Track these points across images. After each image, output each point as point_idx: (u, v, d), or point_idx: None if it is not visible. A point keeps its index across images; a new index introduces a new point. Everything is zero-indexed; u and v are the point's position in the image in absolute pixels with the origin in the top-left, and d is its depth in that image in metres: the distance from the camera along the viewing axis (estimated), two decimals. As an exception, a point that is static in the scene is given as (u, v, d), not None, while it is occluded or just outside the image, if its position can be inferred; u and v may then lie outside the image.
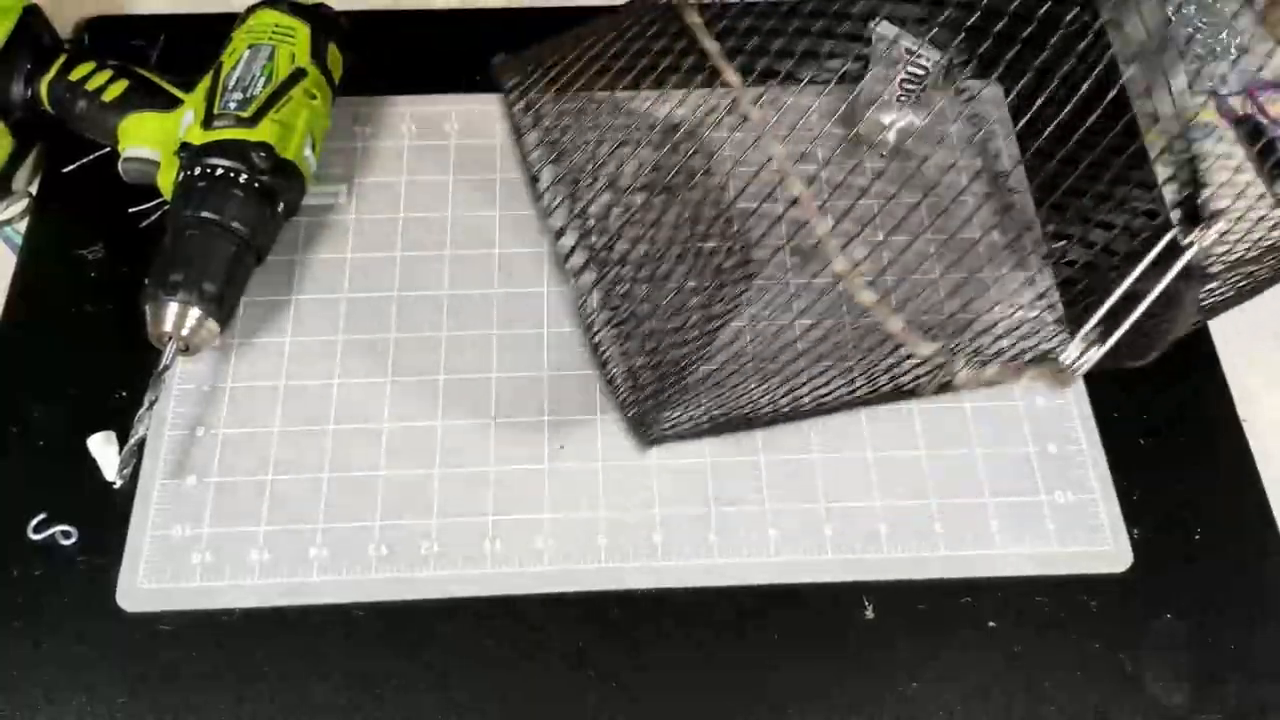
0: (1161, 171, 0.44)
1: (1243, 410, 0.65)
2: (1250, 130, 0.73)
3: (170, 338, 0.60)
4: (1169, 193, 0.45)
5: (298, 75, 0.66)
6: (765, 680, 0.57)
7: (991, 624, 0.58)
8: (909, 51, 0.64)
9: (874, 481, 0.62)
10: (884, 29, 0.76)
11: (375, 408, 0.63)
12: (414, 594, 0.58)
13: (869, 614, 0.58)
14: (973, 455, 0.63)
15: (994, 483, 0.62)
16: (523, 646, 0.57)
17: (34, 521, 0.59)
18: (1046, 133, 0.51)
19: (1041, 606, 0.59)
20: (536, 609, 0.58)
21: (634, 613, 0.58)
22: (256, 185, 0.62)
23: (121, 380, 0.63)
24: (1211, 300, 0.55)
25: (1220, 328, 0.67)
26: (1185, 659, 0.57)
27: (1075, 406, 0.64)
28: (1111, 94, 0.51)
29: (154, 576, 0.58)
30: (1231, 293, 0.55)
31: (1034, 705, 0.56)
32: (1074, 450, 0.63)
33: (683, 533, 0.60)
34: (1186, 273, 0.44)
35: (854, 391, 0.51)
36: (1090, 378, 0.64)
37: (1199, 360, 0.66)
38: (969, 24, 0.56)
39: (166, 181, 0.64)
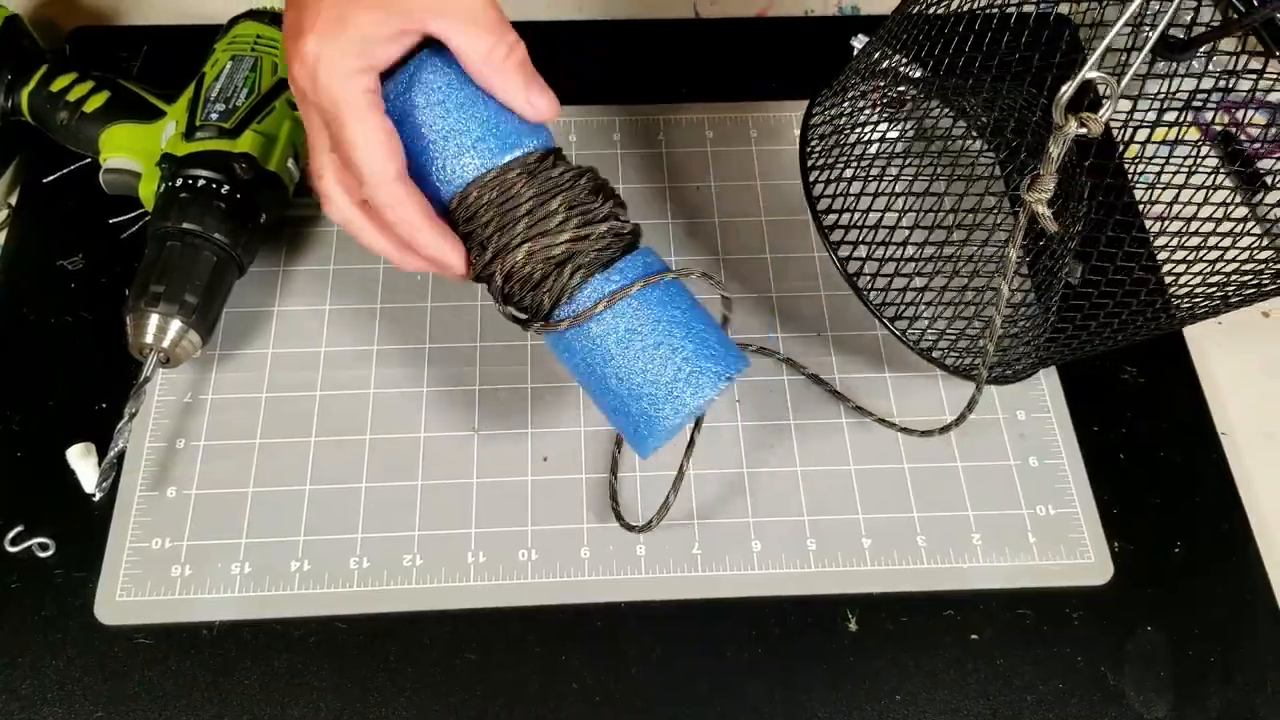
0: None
1: (1221, 425, 0.66)
2: (1229, 148, 0.73)
3: (151, 349, 0.60)
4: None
5: (280, 86, 0.66)
6: (748, 692, 0.56)
7: (974, 636, 0.58)
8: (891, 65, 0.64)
9: (857, 494, 0.62)
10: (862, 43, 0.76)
11: (358, 419, 0.63)
12: (396, 607, 0.58)
13: (852, 626, 0.58)
14: (955, 469, 0.63)
15: (976, 496, 0.62)
16: (505, 659, 0.57)
17: (12, 533, 0.59)
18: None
19: (1023, 619, 0.59)
20: (519, 622, 0.58)
21: (617, 625, 0.58)
22: (239, 196, 0.62)
23: (101, 392, 0.63)
24: (1194, 301, 0.56)
25: (1199, 344, 0.68)
26: (1166, 670, 0.58)
27: (1056, 420, 0.65)
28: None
29: (133, 589, 0.58)
30: (1216, 299, 0.56)
31: (1016, 717, 0.56)
32: (1055, 464, 0.63)
33: (667, 545, 0.60)
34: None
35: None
36: (1071, 393, 0.65)
37: (1178, 376, 0.67)
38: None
39: (148, 192, 0.64)
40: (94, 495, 0.59)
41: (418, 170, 0.49)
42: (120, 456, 0.60)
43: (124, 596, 0.57)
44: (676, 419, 0.49)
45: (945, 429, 0.61)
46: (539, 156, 0.50)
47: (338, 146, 0.48)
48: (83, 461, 0.60)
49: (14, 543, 0.59)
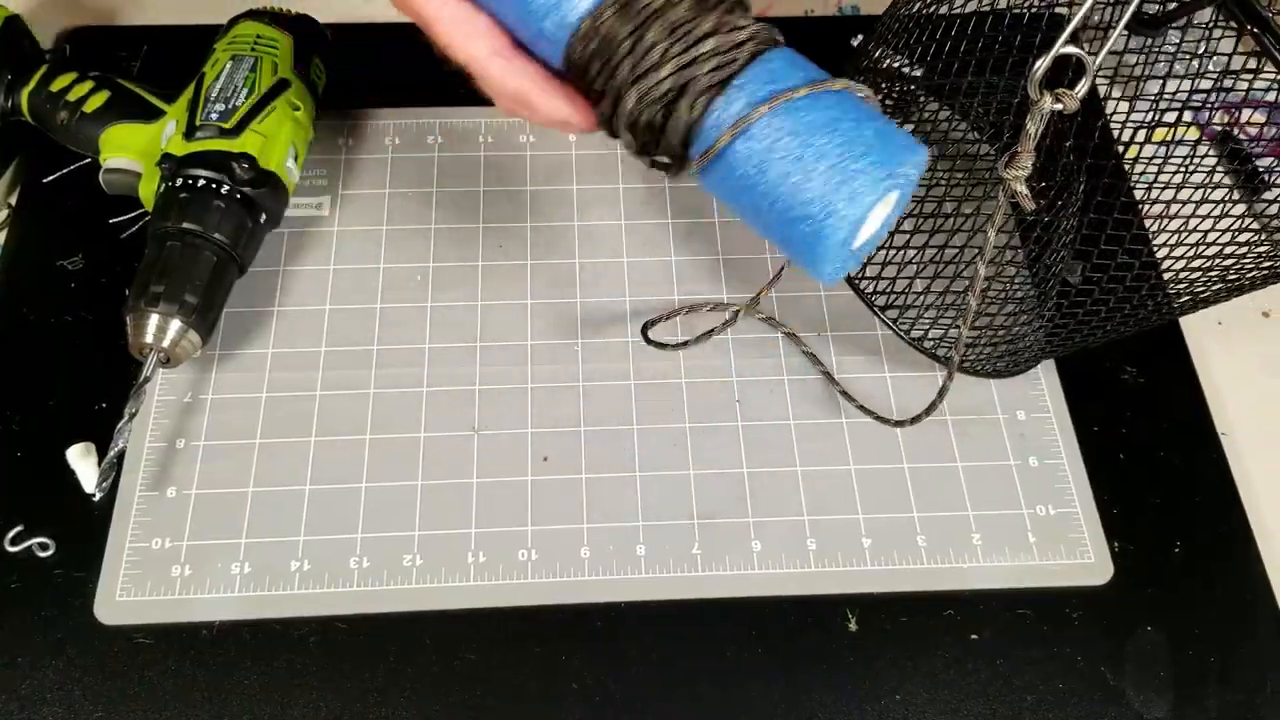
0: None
1: (1221, 425, 0.66)
2: (1230, 149, 0.73)
3: (151, 349, 0.60)
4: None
5: (280, 86, 0.66)
6: (748, 693, 0.56)
7: (974, 636, 0.58)
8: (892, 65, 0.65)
9: (857, 494, 0.62)
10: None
11: (357, 419, 0.63)
12: (396, 607, 0.58)
13: (852, 626, 0.58)
14: (955, 468, 0.63)
15: (976, 496, 0.62)
16: (505, 659, 0.57)
17: (12, 533, 0.59)
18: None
19: (1023, 619, 0.59)
20: (519, 621, 0.58)
21: (617, 625, 0.58)
22: (238, 196, 0.62)
23: (101, 392, 0.63)
24: (1191, 291, 0.56)
25: (1199, 344, 0.68)
26: (1166, 671, 0.58)
27: (1056, 420, 0.65)
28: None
29: (132, 589, 0.57)
30: (1208, 291, 0.57)
31: (1016, 717, 0.56)
32: (1055, 464, 0.63)
33: (666, 545, 0.60)
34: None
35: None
36: (1071, 393, 0.65)
37: (1178, 376, 0.67)
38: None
39: (148, 192, 0.64)
40: (94, 495, 0.59)
41: (531, 34, 0.46)
42: (120, 456, 0.60)
43: (124, 596, 0.57)
44: (840, 234, 0.43)
45: (915, 419, 0.61)
46: None
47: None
48: (83, 461, 0.60)
49: (14, 543, 0.58)
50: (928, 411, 0.60)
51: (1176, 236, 0.54)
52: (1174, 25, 0.61)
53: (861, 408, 0.63)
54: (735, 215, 0.47)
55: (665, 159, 0.46)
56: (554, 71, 0.47)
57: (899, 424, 0.62)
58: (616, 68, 0.44)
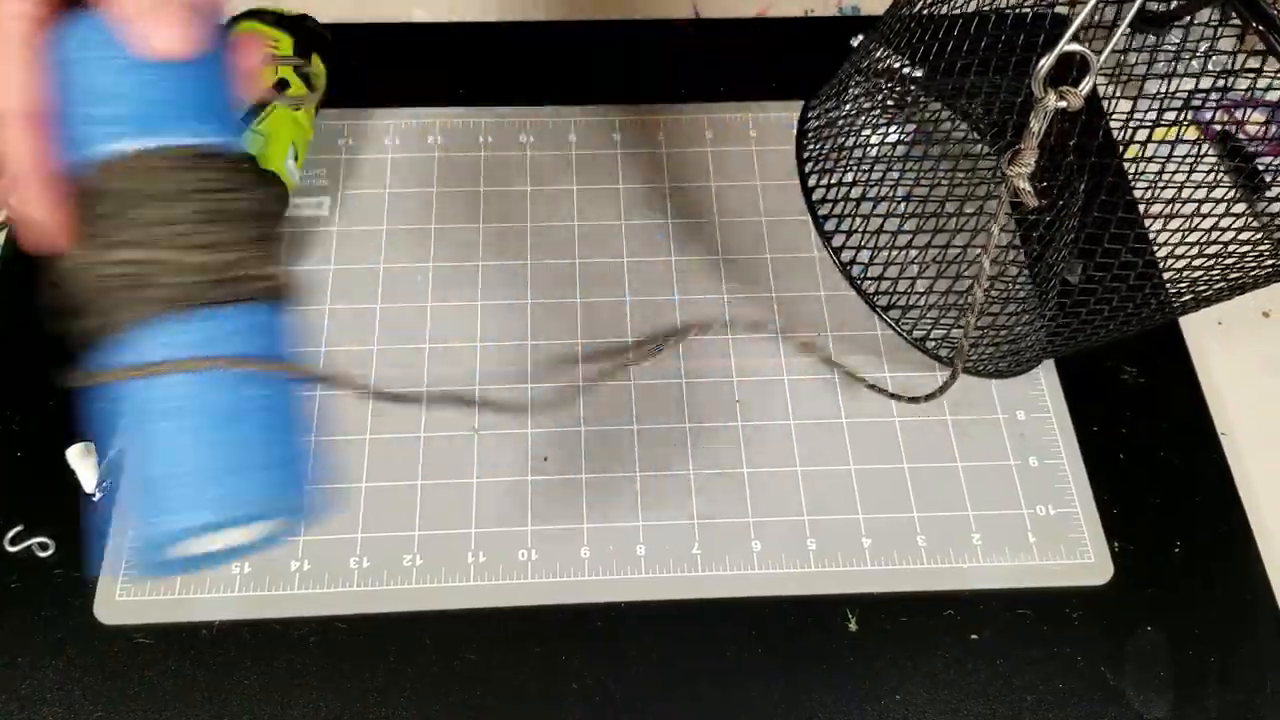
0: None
1: (1221, 425, 0.66)
2: (1230, 148, 0.73)
3: (151, 348, 0.59)
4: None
5: (280, 86, 0.66)
6: (748, 693, 0.56)
7: (974, 636, 0.58)
8: (892, 64, 0.65)
9: (857, 494, 0.62)
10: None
11: (357, 418, 0.63)
12: (396, 607, 0.58)
13: (852, 626, 0.58)
14: (955, 468, 0.63)
15: (976, 496, 0.62)
16: (505, 659, 0.57)
17: (11, 533, 0.59)
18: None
19: (1023, 619, 0.59)
20: (519, 621, 0.58)
21: (617, 625, 0.58)
22: (239, 196, 0.62)
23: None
24: (1193, 290, 0.56)
25: (1199, 344, 0.68)
26: (1166, 671, 0.57)
27: (1056, 420, 0.65)
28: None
29: (132, 589, 0.57)
30: (1210, 290, 0.56)
31: (1016, 717, 0.56)
32: (1055, 464, 0.63)
33: (666, 545, 0.60)
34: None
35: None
36: (1071, 393, 0.65)
37: (1178, 376, 0.67)
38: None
39: (148, 192, 0.64)
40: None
41: (71, 135, 0.38)
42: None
43: (124, 596, 0.57)
44: (169, 531, 0.37)
45: (930, 396, 0.61)
46: (195, 153, 0.37)
47: None
48: (83, 461, 0.60)
49: (14, 542, 0.59)
50: (941, 390, 0.60)
51: (1178, 235, 0.53)
52: (1177, 24, 0.61)
53: (873, 387, 0.63)
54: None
55: (85, 330, 0.38)
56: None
57: (913, 400, 0.62)
58: (139, 218, 0.37)
